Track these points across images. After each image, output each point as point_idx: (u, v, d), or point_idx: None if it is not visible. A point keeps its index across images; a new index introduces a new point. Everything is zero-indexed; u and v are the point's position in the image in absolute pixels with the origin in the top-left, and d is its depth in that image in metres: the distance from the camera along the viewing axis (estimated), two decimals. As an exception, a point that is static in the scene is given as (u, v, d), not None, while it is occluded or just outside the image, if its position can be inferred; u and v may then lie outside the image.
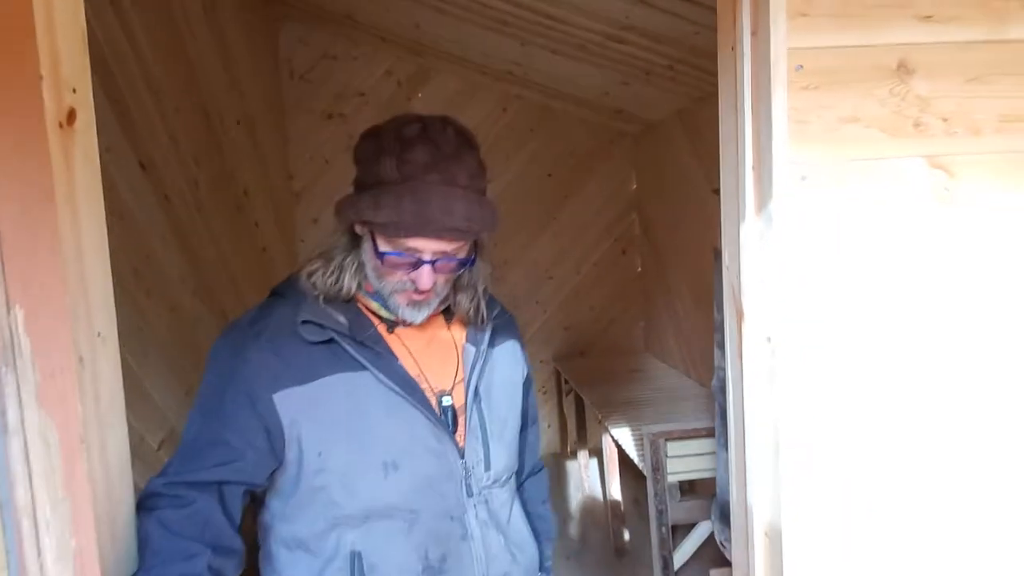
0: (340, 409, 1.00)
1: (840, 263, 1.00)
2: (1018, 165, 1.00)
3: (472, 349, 1.11)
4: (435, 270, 1.01)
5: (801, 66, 0.94)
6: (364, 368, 1.01)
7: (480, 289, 1.13)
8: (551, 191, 4.25)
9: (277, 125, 3.60)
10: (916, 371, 1.02)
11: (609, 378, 3.71)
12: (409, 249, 0.99)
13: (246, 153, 2.88)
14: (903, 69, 0.97)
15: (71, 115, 0.94)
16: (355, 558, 1.01)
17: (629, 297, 4.44)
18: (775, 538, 1.06)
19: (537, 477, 1.32)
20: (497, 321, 1.16)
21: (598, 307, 4.44)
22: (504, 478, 1.11)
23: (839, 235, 0.99)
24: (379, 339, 1.05)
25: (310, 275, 1.05)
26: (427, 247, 0.99)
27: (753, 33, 0.97)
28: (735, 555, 1.19)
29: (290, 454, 1.01)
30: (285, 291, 1.08)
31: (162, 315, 1.99)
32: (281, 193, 3.54)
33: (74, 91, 0.95)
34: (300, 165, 3.86)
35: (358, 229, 1.05)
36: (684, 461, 2.50)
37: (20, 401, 0.85)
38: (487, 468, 1.07)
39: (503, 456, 1.10)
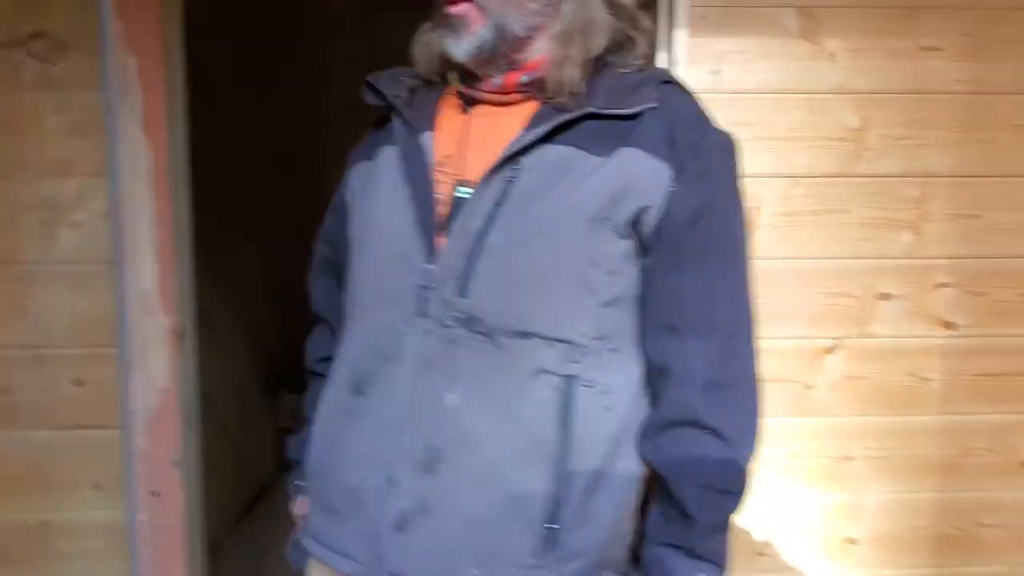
0: (377, 178, 0.89)
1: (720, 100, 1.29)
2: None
3: (523, 135, 0.80)
4: None
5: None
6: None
7: (581, 39, 0.81)
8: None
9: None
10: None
11: None
12: None
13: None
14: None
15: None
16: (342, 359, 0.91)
17: None
18: None
19: (668, 439, 0.79)
20: (642, 116, 0.79)
21: None
22: (505, 327, 0.78)
23: (723, 69, 1.32)
24: (423, 107, 0.87)
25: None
26: None
27: None
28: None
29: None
30: None
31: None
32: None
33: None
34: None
35: None
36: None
37: (129, 121, 1.27)
38: (461, 292, 0.78)
39: (498, 291, 0.78)
